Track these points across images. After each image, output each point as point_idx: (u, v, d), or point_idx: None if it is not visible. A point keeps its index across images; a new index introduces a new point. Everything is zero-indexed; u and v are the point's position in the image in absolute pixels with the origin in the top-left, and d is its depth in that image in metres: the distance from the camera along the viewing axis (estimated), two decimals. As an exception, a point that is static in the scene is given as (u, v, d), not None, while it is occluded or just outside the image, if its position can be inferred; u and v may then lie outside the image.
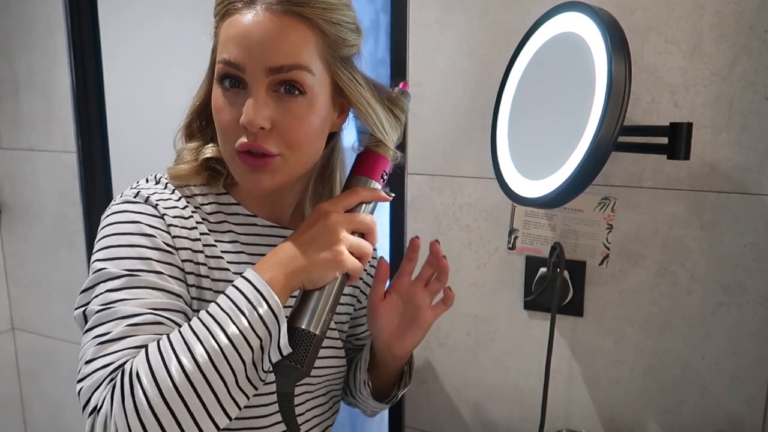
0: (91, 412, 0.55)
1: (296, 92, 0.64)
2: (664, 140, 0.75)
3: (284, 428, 0.72)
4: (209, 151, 0.72)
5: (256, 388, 0.60)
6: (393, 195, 0.73)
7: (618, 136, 0.70)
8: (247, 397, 0.59)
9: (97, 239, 0.66)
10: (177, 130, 0.76)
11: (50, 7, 1.48)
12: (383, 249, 1.05)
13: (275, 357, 0.59)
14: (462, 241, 1.07)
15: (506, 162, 0.89)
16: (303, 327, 0.61)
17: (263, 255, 0.68)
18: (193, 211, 0.70)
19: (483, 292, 1.07)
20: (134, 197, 0.68)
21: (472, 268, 1.07)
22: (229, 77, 0.65)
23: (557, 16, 0.82)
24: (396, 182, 1.11)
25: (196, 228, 0.69)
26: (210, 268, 0.69)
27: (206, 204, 0.72)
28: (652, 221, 0.92)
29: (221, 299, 0.60)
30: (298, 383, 0.73)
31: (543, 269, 1.00)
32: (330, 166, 0.78)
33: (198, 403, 0.55)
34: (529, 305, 1.03)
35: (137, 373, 0.54)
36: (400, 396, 0.87)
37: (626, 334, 0.97)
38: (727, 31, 0.85)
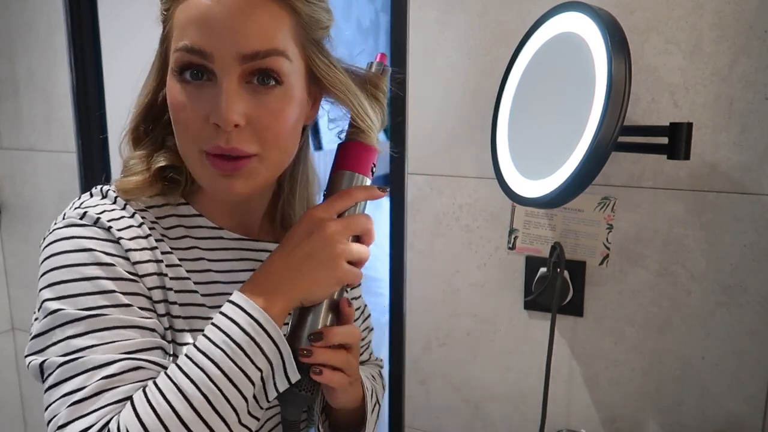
0: None
1: (272, 82, 0.56)
2: (664, 140, 0.75)
3: None
4: (162, 159, 0.62)
5: (258, 420, 0.56)
6: (387, 188, 0.65)
7: (618, 136, 0.70)
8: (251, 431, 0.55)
9: (41, 272, 0.56)
10: (121, 135, 0.65)
11: (50, 7, 1.48)
12: (383, 249, 1.04)
13: (282, 386, 0.54)
14: (462, 241, 1.07)
15: (506, 162, 0.89)
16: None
17: (232, 272, 0.64)
18: (150, 228, 0.60)
19: (483, 292, 1.07)
20: (80, 219, 0.57)
21: (472, 268, 1.07)
22: (191, 68, 0.55)
23: (557, 16, 0.82)
24: (396, 182, 1.11)
25: (156, 248, 0.59)
26: (176, 292, 0.59)
27: (163, 217, 0.63)
28: (652, 221, 0.92)
29: (210, 331, 0.53)
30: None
31: (543, 269, 1.00)
32: (300, 163, 0.70)
33: None
34: (529, 305, 1.03)
35: (126, 430, 0.48)
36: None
37: (626, 334, 0.96)
38: (727, 31, 0.85)
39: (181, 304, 0.60)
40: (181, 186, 0.63)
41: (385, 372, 0.92)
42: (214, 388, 0.50)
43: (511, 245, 1.04)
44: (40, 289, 0.55)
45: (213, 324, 0.54)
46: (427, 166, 1.09)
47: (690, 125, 0.74)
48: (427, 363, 1.14)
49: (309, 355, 0.58)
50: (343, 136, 0.65)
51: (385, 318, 1.19)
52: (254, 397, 0.53)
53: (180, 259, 0.61)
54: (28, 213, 1.66)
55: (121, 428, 0.48)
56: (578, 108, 0.74)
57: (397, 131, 1.11)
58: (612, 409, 0.99)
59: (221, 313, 0.54)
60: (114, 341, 0.52)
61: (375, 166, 0.65)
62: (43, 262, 0.56)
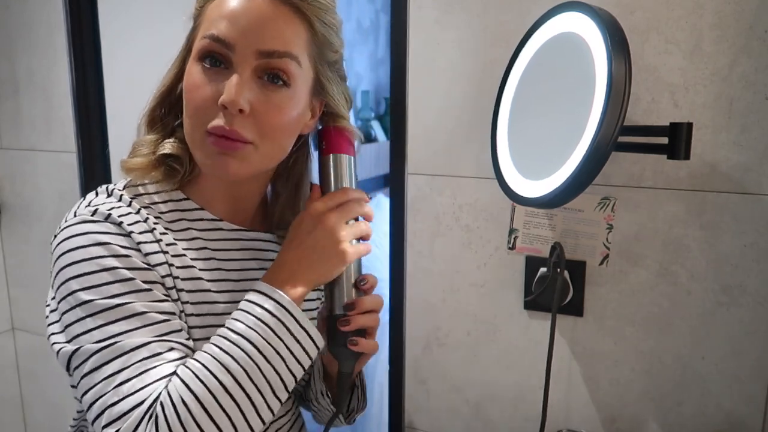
0: None
1: (280, 82, 0.64)
2: (664, 140, 0.75)
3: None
4: (168, 146, 0.68)
5: (281, 402, 0.62)
6: (370, 197, 0.75)
7: (618, 136, 0.70)
8: (287, 392, 0.62)
9: (60, 266, 0.60)
10: (140, 115, 0.71)
11: (50, 7, 1.48)
12: (384, 249, 1.04)
13: (309, 345, 0.62)
14: (462, 241, 1.07)
15: (506, 162, 0.89)
16: (339, 313, 0.69)
17: (234, 260, 0.72)
18: (155, 222, 0.66)
19: (483, 292, 1.07)
20: (92, 215, 0.62)
21: (472, 268, 1.07)
22: (212, 55, 0.62)
23: (557, 16, 0.82)
24: (396, 182, 1.11)
25: (162, 240, 0.65)
26: (183, 279, 0.65)
27: (167, 212, 0.68)
28: (652, 221, 0.92)
29: (241, 315, 0.60)
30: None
31: (543, 269, 1.00)
32: (299, 171, 0.78)
33: (240, 409, 0.57)
34: (529, 305, 1.03)
35: (181, 400, 0.54)
36: (355, 417, 0.85)
37: (626, 334, 0.97)
38: (727, 31, 0.85)
39: (188, 291, 0.65)
40: (180, 175, 0.69)
41: (385, 372, 0.95)
42: (251, 362, 0.58)
43: (511, 245, 1.04)
44: (64, 282, 0.59)
45: (242, 309, 0.61)
46: (427, 166, 1.09)
47: (690, 125, 0.74)
48: (427, 363, 1.14)
49: (347, 324, 0.68)
50: (322, 123, 0.74)
51: (385, 318, 1.19)
52: (288, 369, 0.61)
53: (184, 249, 0.67)
54: (28, 213, 1.66)
55: (174, 399, 0.54)
56: (578, 108, 0.74)
57: (397, 131, 1.11)
58: (612, 409, 0.99)
59: (249, 300, 0.61)
60: (144, 325, 0.58)
61: (355, 141, 0.75)
62: (61, 256, 0.60)
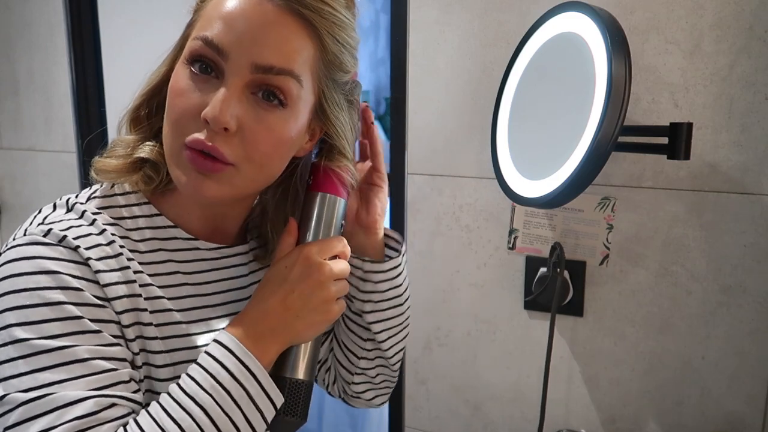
0: None
1: (276, 101, 0.55)
2: (664, 140, 0.75)
3: None
4: (146, 150, 0.60)
5: None
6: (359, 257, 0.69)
7: (618, 136, 0.70)
8: None
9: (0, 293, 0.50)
10: (121, 114, 0.63)
11: (50, 7, 1.48)
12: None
13: (270, 417, 0.54)
14: (462, 241, 1.07)
15: (506, 162, 0.89)
16: (296, 377, 0.58)
17: (208, 283, 0.63)
18: (120, 246, 0.56)
19: (483, 292, 1.07)
20: (44, 236, 0.53)
21: (472, 268, 1.07)
22: (202, 60, 0.54)
23: (557, 16, 0.82)
24: (396, 182, 1.11)
25: (128, 267, 0.55)
26: (151, 312, 0.57)
27: (135, 229, 0.59)
28: (652, 221, 0.92)
29: (197, 373, 0.52)
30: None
31: (543, 269, 1.00)
32: (287, 191, 0.68)
33: None
34: (529, 305, 1.03)
35: None
36: (401, 250, 0.73)
37: (626, 334, 0.96)
38: (727, 31, 0.85)
39: (156, 325, 0.57)
40: (154, 184, 0.60)
41: None
42: (190, 422, 0.49)
43: (511, 245, 1.04)
44: (0, 312, 0.50)
45: (200, 365, 0.52)
46: (427, 166, 1.09)
47: (690, 125, 0.74)
48: (427, 363, 1.14)
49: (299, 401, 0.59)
50: (318, 158, 0.65)
51: (385, 318, 1.19)
52: None
53: (153, 275, 0.58)
54: (28, 213, 1.65)
55: None
56: (578, 108, 0.74)
57: (397, 131, 1.11)
58: (612, 409, 0.99)
59: (209, 353, 0.53)
60: (84, 375, 0.49)
61: (351, 186, 0.66)
62: (1, 281, 0.51)
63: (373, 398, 0.79)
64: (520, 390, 1.06)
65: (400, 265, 0.72)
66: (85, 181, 1.51)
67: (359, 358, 0.75)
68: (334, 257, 0.61)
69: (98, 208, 0.58)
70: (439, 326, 1.11)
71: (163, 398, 0.51)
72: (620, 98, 0.69)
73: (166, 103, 0.58)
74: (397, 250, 0.72)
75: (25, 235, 0.53)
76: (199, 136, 0.53)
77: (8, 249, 0.53)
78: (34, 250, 0.52)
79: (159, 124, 0.60)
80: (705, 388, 0.92)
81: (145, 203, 0.61)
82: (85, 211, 0.57)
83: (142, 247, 0.59)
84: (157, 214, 0.61)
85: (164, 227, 0.61)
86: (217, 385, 0.51)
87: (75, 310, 0.50)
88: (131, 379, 0.53)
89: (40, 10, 1.50)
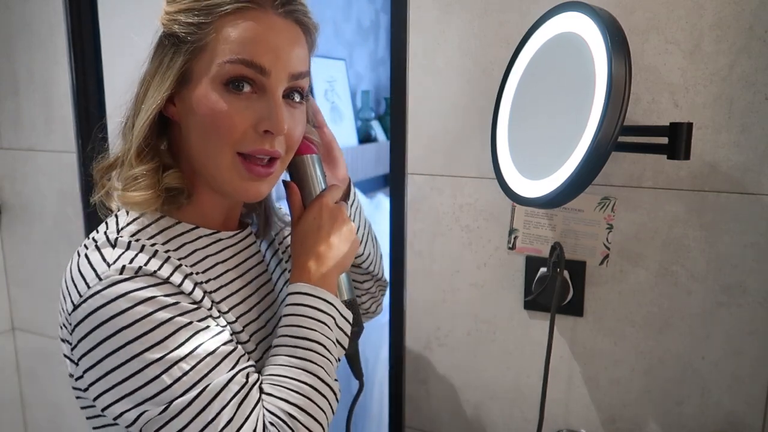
0: None
1: (299, 98, 0.68)
2: (664, 140, 0.75)
3: None
4: (174, 179, 0.66)
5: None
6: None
7: (618, 136, 0.70)
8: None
9: (102, 336, 0.57)
10: (120, 126, 0.69)
11: (50, 7, 1.48)
12: (384, 248, 1.05)
13: (349, 330, 0.71)
14: (462, 241, 1.07)
15: (506, 162, 0.89)
16: (350, 298, 0.76)
17: (242, 263, 0.75)
18: (178, 258, 0.64)
19: (483, 292, 1.07)
20: (121, 274, 0.58)
21: (472, 268, 1.07)
22: (241, 80, 0.62)
23: (557, 16, 0.82)
24: (396, 182, 1.11)
25: (191, 273, 0.64)
26: (219, 302, 0.67)
27: (168, 241, 0.66)
28: (652, 221, 0.92)
29: (297, 320, 0.66)
30: None
31: (543, 269, 1.00)
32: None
33: (328, 401, 0.64)
34: (529, 305, 1.03)
35: (288, 414, 0.60)
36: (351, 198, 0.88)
37: (626, 334, 0.97)
38: (727, 31, 0.85)
39: (226, 312, 0.67)
40: (179, 205, 0.68)
41: (385, 372, 0.98)
42: (324, 359, 0.65)
43: (511, 245, 1.04)
44: (114, 351, 0.56)
45: (295, 314, 0.66)
46: (427, 166, 1.09)
47: (690, 125, 0.74)
48: (427, 363, 1.14)
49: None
50: None
51: (385, 318, 1.19)
52: (337, 342, 0.68)
53: (202, 272, 0.67)
54: (28, 213, 1.66)
55: (281, 416, 0.59)
56: (578, 108, 0.74)
57: (397, 131, 1.11)
58: (612, 409, 0.99)
59: (298, 303, 0.66)
60: (220, 362, 0.59)
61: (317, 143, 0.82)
62: (98, 327, 0.57)
63: (372, 306, 0.97)
64: (520, 390, 1.06)
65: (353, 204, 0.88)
66: (86, 181, 1.51)
67: (361, 282, 0.92)
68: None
69: (135, 238, 0.63)
70: (439, 326, 1.11)
71: (281, 348, 0.65)
72: (620, 98, 0.69)
73: (168, 126, 0.67)
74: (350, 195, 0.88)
75: (100, 280, 0.58)
76: (266, 146, 0.64)
77: (90, 297, 0.57)
78: (120, 288, 0.57)
79: (160, 146, 0.68)
80: (705, 388, 0.92)
81: (161, 217, 0.68)
82: (130, 242, 0.62)
83: (181, 253, 0.66)
84: (177, 223, 0.68)
85: (188, 231, 0.69)
86: (316, 322, 0.66)
87: (183, 320, 0.59)
88: (243, 352, 0.64)
89: (40, 10, 1.50)
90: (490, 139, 0.94)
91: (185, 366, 0.57)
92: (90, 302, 0.57)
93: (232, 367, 0.60)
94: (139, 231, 0.64)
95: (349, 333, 0.70)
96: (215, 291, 0.68)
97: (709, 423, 0.93)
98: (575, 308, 0.99)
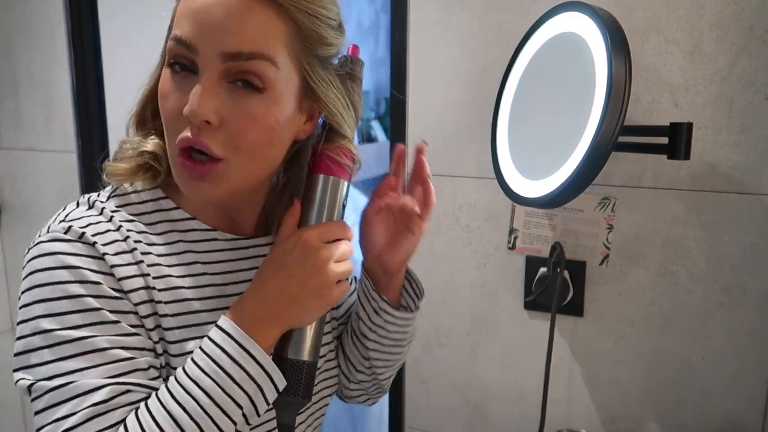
0: None
1: (253, 87, 0.54)
2: (664, 140, 0.75)
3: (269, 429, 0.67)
4: (150, 144, 0.61)
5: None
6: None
7: (618, 136, 0.70)
8: None
9: (25, 286, 0.55)
10: (128, 116, 0.64)
11: (50, 7, 1.48)
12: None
13: (272, 397, 0.56)
14: (462, 241, 1.07)
15: (506, 162, 0.89)
16: (298, 358, 0.59)
17: (228, 273, 0.64)
18: (136, 240, 0.58)
19: (483, 292, 1.07)
20: (65, 233, 0.55)
21: (472, 268, 1.07)
22: (179, 59, 0.55)
23: (557, 16, 0.82)
24: (396, 182, 1.11)
25: (142, 261, 0.57)
26: (167, 303, 0.58)
27: (155, 223, 0.61)
28: (652, 221, 0.92)
29: (200, 358, 0.54)
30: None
31: (543, 269, 1.00)
32: (298, 179, 0.68)
33: None
34: (529, 305, 1.03)
35: None
36: (418, 306, 0.76)
37: (626, 334, 0.96)
38: (727, 31, 0.85)
39: (173, 315, 0.58)
40: (161, 176, 0.61)
41: None
42: (204, 415, 0.52)
43: (511, 245, 1.04)
44: (27, 305, 0.54)
45: (202, 350, 0.54)
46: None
47: (690, 125, 0.74)
48: (427, 363, 1.14)
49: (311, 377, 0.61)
50: (317, 141, 0.64)
51: (385, 318, 1.19)
52: (243, 416, 0.54)
53: (172, 265, 0.60)
54: (28, 213, 1.66)
55: None
56: (578, 108, 0.74)
57: (397, 131, 1.11)
58: (612, 409, 0.99)
59: (210, 338, 0.55)
60: (102, 363, 0.52)
61: (353, 165, 0.65)
62: (27, 276, 0.55)
63: (366, 400, 0.83)
64: (520, 390, 1.06)
65: (413, 318, 0.74)
66: (86, 181, 1.52)
67: (357, 372, 0.77)
68: (336, 240, 0.61)
69: (117, 206, 0.60)
70: (439, 326, 1.11)
71: (170, 382, 0.53)
72: (620, 98, 0.69)
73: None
74: (414, 306, 0.75)
75: (48, 231, 0.56)
76: (185, 134, 0.54)
77: (34, 246, 0.56)
78: (55, 246, 0.55)
79: (161, 124, 0.60)
80: (705, 388, 0.92)
81: (162, 198, 0.62)
82: (104, 208, 0.59)
83: (160, 240, 0.60)
84: (174, 208, 0.63)
85: (182, 219, 0.63)
86: (218, 369, 0.53)
87: (94, 302, 0.53)
88: (150, 367, 0.55)
89: (40, 10, 1.50)
90: (490, 139, 0.94)
91: (68, 350, 0.52)
92: (31, 250, 0.56)
93: (113, 376, 0.52)
94: (124, 204, 0.60)
95: (269, 396, 0.55)
96: (172, 289, 0.59)
97: (709, 423, 0.93)
98: (575, 308, 0.99)
